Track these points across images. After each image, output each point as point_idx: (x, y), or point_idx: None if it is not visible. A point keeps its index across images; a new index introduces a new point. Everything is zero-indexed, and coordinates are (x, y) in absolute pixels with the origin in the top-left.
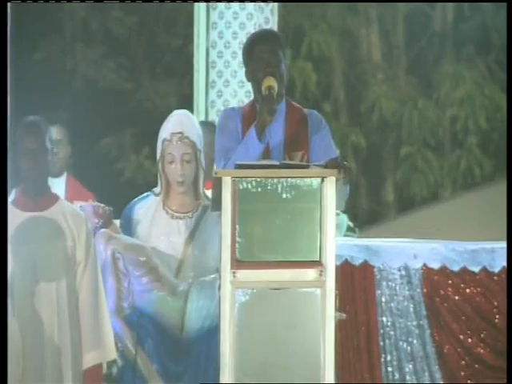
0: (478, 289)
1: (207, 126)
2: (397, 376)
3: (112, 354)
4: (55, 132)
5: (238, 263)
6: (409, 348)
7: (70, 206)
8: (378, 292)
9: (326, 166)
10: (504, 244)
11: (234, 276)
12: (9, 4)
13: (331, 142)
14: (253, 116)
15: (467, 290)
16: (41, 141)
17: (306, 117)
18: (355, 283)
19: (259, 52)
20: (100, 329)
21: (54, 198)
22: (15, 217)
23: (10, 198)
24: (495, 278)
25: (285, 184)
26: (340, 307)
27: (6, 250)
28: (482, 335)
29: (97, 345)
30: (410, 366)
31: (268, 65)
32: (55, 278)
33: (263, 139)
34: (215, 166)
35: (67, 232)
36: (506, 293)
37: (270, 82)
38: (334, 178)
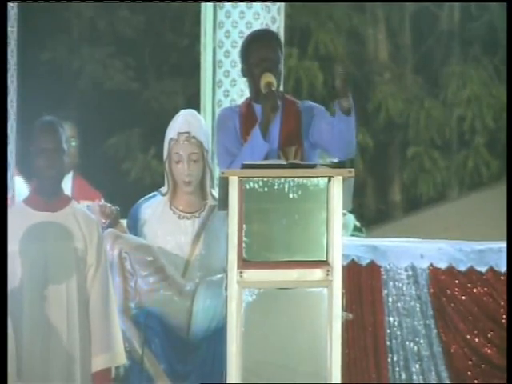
0: (485, 289)
1: None
2: (403, 376)
3: (121, 358)
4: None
5: (244, 263)
6: (415, 348)
7: (82, 209)
8: (385, 292)
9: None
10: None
11: (241, 276)
12: (15, 4)
13: (326, 114)
14: (250, 115)
15: (474, 290)
16: (57, 141)
17: (299, 110)
18: (362, 283)
19: (256, 48)
20: (110, 333)
21: (67, 200)
22: (27, 215)
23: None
24: (502, 277)
25: (292, 184)
26: (347, 307)
27: (6, 250)
28: (489, 335)
29: (106, 349)
30: (417, 365)
31: (265, 60)
32: (65, 280)
33: (268, 139)
34: (219, 167)
35: (78, 234)
36: (507, 292)
37: (269, 78)
38: (341, 178)
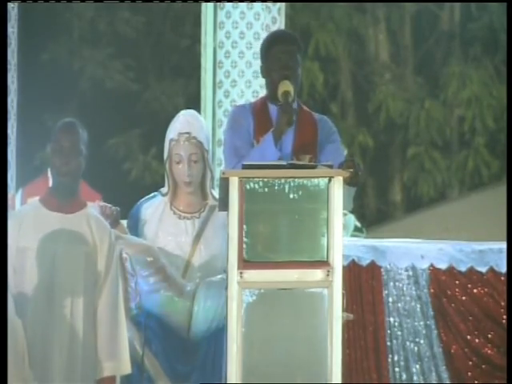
0: (486, 289)
1: None
2: (404, 376)
3: (127, 367)
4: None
5: (245, 263)
6: (416, 348)
7: (96, 215)
8: (385, 292)
9: (340, 166)
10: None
11: (241, 276)
12: (16, 4)
13: (340, 147)
14: (264, 114)
15: (474, 291)
16: (75, 141)
17: (316, 122)
18: (362, 283)
19: (277, 52)
20: (117, 341)
21: (82, 204)
22: (40, 214)
23: (18, 196)
24: (502, 278)
25: (292, 184)
26: (347, 307)
27: (6, 250)
28: (490, 335)
29: (112, 357)
30: (417, 366)
31: (285, 67)
32: (72, 284)
33: (279, 146)
34: (224, 165)
35: (90, 240)
36: (507, 293)
37: (287, 87)
38: (341, 178)
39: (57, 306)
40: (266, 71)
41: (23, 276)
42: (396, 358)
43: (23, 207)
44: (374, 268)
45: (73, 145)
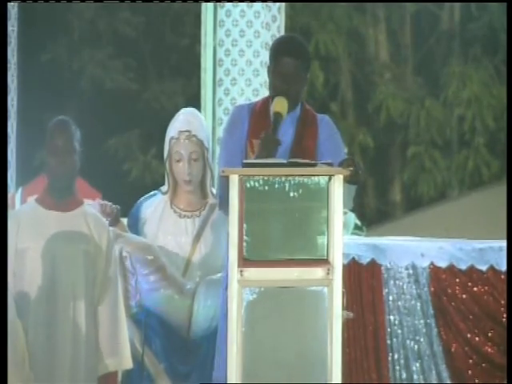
0: (486, 287)
1: None
2: (404, 375)
3: (128, 363)
4: None
5: (245, 262)
6: (416, 347)
7: (94, 213)
8: (386, 291)
9: (340, 165)
10: None
11: (242, 275)
12: (16, 4)
13: (340, 146)
14: (264, 113)
15: (475, 289)
16: (69, 140)
17: (317, 123)
18: (362, 282)
19: (283, 64)
20: (118, 337)
21: (79, 202)
22: (38, 214)
23: (18, 196)
24: (502, 276)
25: (292, 182)
26: (347, 306)
27: (6, 250)
28: (490, 334)
29: (113, 353)
30: (418, 364)
31: (286, 81)
32: (74, 282)
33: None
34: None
35: (88, 237)
36: (507, 291)
37: (280, 106)
38: (341, 177)
39: (58, 305)
40: (270, 74)
41: (23, 276)
42: (396, 357)
43: (20, 208)
44: (374, 266)
45: (66, 143)
